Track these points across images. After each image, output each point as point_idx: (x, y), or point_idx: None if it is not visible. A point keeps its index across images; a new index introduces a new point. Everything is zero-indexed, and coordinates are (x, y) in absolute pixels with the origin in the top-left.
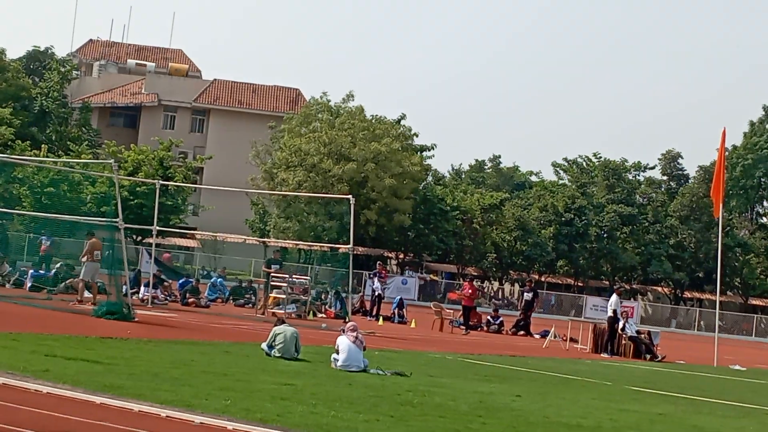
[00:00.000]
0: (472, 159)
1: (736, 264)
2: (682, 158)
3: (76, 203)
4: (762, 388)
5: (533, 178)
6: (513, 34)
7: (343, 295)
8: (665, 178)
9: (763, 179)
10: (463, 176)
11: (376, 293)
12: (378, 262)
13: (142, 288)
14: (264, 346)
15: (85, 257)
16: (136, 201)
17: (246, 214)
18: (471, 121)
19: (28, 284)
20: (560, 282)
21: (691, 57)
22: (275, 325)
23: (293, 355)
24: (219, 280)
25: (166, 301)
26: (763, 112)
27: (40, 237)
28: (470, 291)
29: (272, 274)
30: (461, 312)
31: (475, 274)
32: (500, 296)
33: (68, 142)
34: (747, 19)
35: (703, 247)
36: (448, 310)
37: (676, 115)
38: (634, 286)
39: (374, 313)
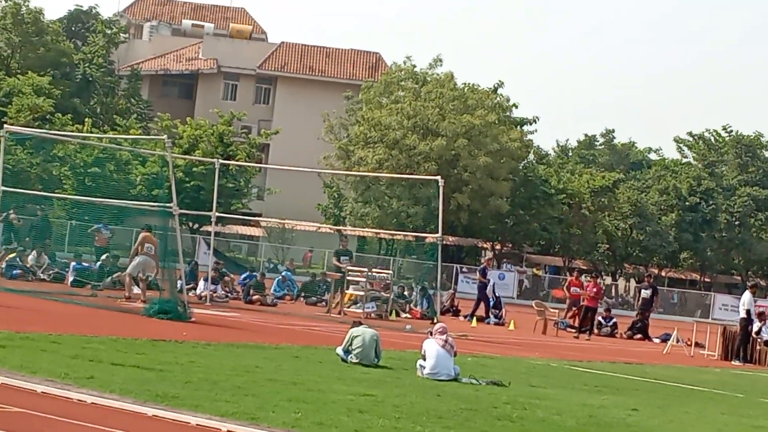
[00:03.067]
0: (581, 134)
1: None
2: None
3: (124, 186)
4: None
5: (652, 156)
6: None
7: (431, 292)
8: None
9: None
10: (571, 154)
11: (490, 292)
12: (487, 257)
13: (200, 283)
14: (339, 350)
15: (134, 253)
16: (192, 183)
17: (318, 198)
18: (579, 91)
19: (70, 278)
20: (684, 277)
21: None
22: (352, 327)
23: (373, 361)
24: (287, 274)
25: (227, 299)
26: None
27: (98, 226)
28: (595, 290)
29: (349, 268)
30: (566, 311)
31: (584, 267)
32: (613, 294)
33: (115, 116)
34: None
35: None
36: (552, 310)
37: None
38: None
39: (491, 314)
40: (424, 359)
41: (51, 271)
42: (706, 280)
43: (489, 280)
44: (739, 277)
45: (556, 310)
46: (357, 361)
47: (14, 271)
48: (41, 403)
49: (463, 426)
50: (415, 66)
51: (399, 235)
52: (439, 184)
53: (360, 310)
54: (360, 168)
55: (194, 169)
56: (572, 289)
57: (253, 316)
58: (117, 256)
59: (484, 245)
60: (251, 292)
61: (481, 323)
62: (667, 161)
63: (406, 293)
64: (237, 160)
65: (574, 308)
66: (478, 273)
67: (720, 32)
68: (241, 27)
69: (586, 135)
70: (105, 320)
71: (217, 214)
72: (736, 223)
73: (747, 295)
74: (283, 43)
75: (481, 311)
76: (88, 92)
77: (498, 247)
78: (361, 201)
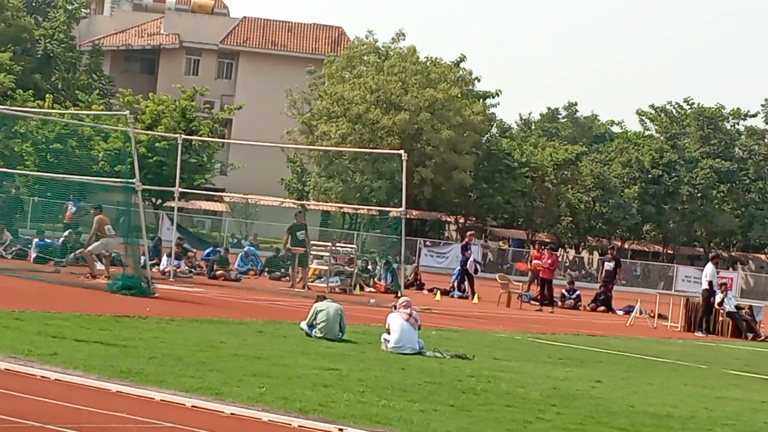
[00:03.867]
0: (544, 107)
1: None
2: None
3: (87, 162)
4: None
5: (615, 129)
6: None
7: (395, 266)
8: None
9: None
10: (533, 127)
11: (471, 267)
12: (469, 232)
13: (164, 259)
14: (303, 325)
15: (93, 237)
16: (155, 158)
17: (281, 173)
18: (542, 64)
19: (33, 255)
20: (647, 249)
21: None
22: (316, 301)
23: (337, 335)
24: (251, 249)
25: (191, 274)
26: None
27: (66, 202)
28: (550, 261)
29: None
30: (528, 284)
31: (548, 240)
32: (577, 266)
33: (77, 91)
34: None
35: None
36: (516, 283)
37: None
38: (733, 254)
39: (468, 290)
40: (389, 333)
41: (13, 248)
42: (669, 252)
43: (471, 255)
44: (701, 249)
45: (520, 283)
46: (321, 335)
47: None
48: (4, 380)
49: (428, 399)
50: (377, 40)
51: (363, 209)
52: (403, 158)
53: (324, 285)
54: (323, 143)
55: (157, 144)
56: (534, 261)
57: (216, 291)
58: (80, 233)
59: (448, 219)
60: (215, 267)
61: (445, 297)
62: (629, 134)
63: (370, 267)
64: (200, 136)
65: (536, 281)
66: (460, 249)
67: (682, 5)
68: (202, 2)
69: (548, 108)
70: (68, 296)
71: (180, 189)
72: (699, 195)
73: (709, 267)
74: (245, 17)
75: (447, 285)
76: (50, 68)
77: (461, 220)
78: (324, 175)
